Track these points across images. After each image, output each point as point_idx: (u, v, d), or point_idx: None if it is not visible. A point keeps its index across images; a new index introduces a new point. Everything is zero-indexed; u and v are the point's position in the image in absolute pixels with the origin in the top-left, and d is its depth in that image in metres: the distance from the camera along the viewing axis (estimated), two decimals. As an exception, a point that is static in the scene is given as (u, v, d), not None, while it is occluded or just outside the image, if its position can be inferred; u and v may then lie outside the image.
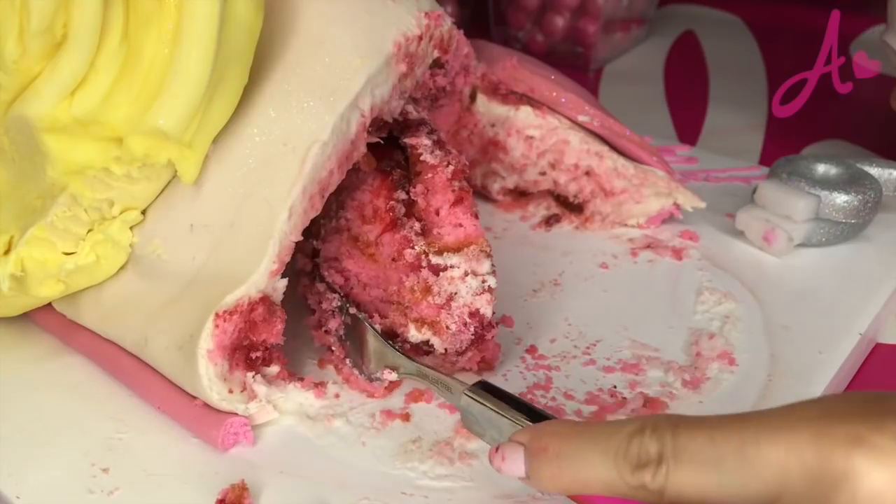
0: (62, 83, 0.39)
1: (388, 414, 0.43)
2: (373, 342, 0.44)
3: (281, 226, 0.42)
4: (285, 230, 0.42)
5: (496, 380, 0.46)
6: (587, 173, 0.59)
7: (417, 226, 0.45)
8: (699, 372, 0.46)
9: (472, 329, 0.44)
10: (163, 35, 0.40)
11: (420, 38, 0.48)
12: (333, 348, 0.46)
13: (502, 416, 0.36)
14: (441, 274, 0.44)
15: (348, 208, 0.48)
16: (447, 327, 0.44)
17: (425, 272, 0.44)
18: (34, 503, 0.38)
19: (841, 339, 0.49)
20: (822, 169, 0.60)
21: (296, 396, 0.44)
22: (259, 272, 0.41)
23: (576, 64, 0.96)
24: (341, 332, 0.46)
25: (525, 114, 0.59)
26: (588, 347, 0.49)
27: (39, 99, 0.39)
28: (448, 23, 0.50)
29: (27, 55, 0.39)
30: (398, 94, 0.48)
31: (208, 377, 0.40)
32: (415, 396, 0.45)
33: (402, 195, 0.46)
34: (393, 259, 0.45)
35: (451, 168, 0.46)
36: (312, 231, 0.49)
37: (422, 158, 0.46)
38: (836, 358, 0.47)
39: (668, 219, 0.61)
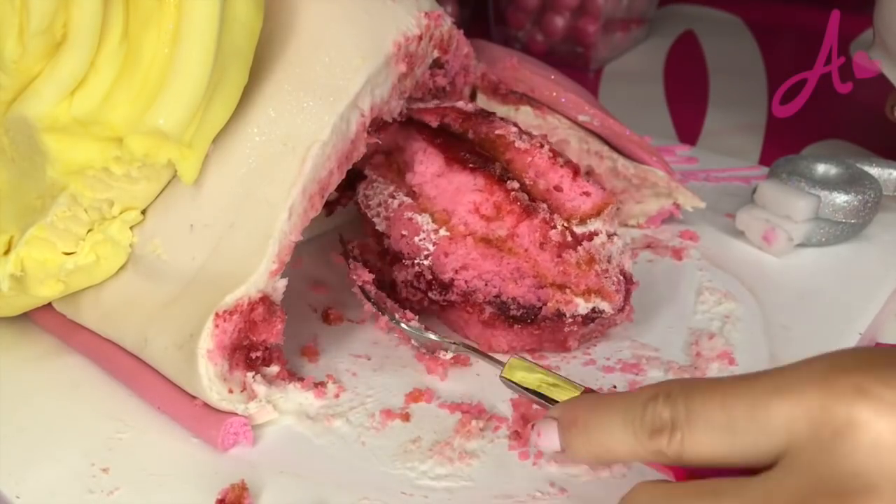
0: (62, 83, 0.39)
1: (388, 414, 0.43)
2: (413, 335, 0.47)
3: (281, 226, 0.42)
4: (285, 230, 0.42)
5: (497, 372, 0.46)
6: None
7: (544, 206, 0.46)
8: (699, 372, 0.46)
9: (623, 286, 0.46)
10: (163, 35, 0.40)
11: (420, 37, 0.48)
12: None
13: (532, 396, 0.39)
14: (594, 240, 0.46)
15: (456, 215, 0.47)
16: (611, 290, 0.45)
17: (585, 244, 0.46)
18: (34, 503, 0.38)
19: (841, 339, 0.49)
20: (822, 169, 0.60)
21: (296, 396, 0.44)
22: (259, 272, 0.41)
23: (576, 64, 0.96)
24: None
25: (525, 114, 0.59)
26: (588, 347, 0.49)
27: (39, 99, 0.39)
28: (448, 23, 0.50)
29: (27, 55, 0.39)
30: (398, 93, 0.48)
31: (208, 377, 0.40)
32: (415, 396, 0.45)
33: (515, 184, 0.46)
34: (541, 244, 0.45)
35: (546, 148, 0.48)
36: (388, 258, 0.49)
37: (516, 146, 0.48)
38: (836, 358, 0.47)
39: (668, 219, 0.61)
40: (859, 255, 0.57)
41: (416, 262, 0.47)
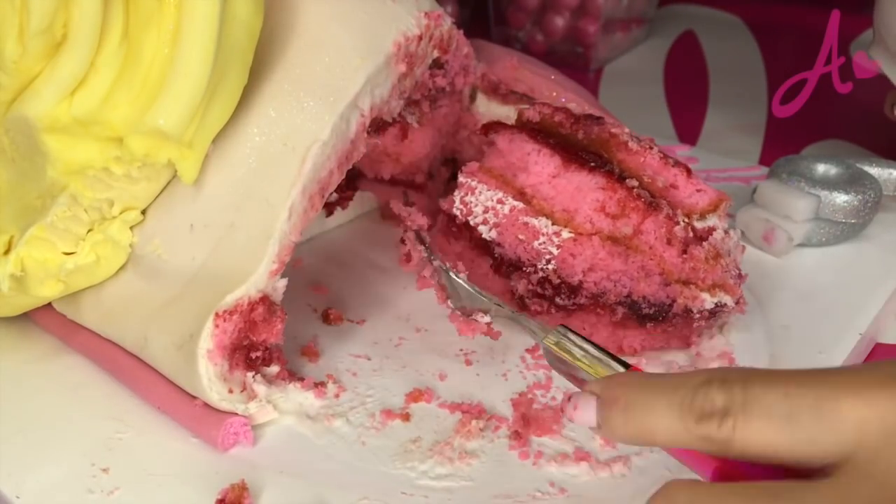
0: (62, 83, 0.39)
1: (388, 414, 0.43)
2: (463, 289, 0.47)
3: (281, 225, 0.42)
4: (285, 230, 0.42)
5: (497, 372, 0.46)
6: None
7: (665, 203, 0.46)
8: (699, 372, 0.46)
9: (739, 279, 0.47)
10: (163, 35, 0.40)
11: (420, 37, 0.48)
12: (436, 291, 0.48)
13: (577, 363, 0.37)
14: (714, 235, 0.46)
15: (580, 214, 0.47)
16: (732, 283, 0.46)
17: (711, 239, 0.46)
18: (34, 503, 0.38)
19: (841, 339, 0.49)
20: (822, 169, 0.60)
21: (296, 396, 0.44)
22: (259, 272, 0.41)
23: (576, 64, 0.96)
24: (439, 279, 0.48)
25: (525, 114, 0.59)
26: (588, 347, 0.49)
27: (39, 99, 0.39)
28: (448, 23, 0.50)
29: (27, 55, 0.39)
30: (398, 93, 0.48)
31: (208, 377, 0.40)
32: (415, 396, 0.45)
33: (634, 182, 0.46)
34: (667, 241, 0.45)
35: (656, 149, 0.48)
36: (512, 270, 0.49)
37: (629, 146, 0.47)
38: (836, 358, 0.47)
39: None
40: (859, 255, 0.57)
41: (539, 266, 0.47)
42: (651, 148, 0.47)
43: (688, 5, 1.13)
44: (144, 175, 0.44)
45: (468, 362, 0.47)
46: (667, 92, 0.90)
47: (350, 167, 0.46)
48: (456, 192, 0.50)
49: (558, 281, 0.47)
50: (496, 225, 0.49)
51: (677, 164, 0.47)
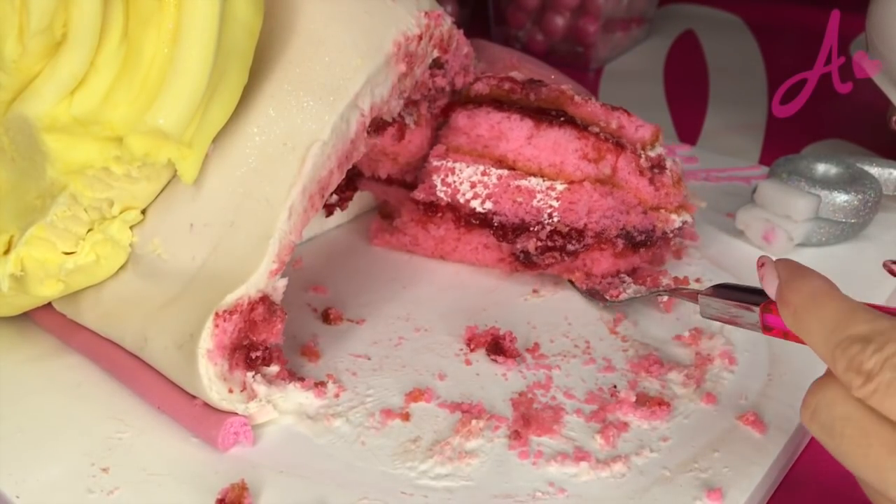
0: (62, 83, 0.39)
1: (388, 413, 0.43)
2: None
3: (281, 225, 0.42)
4: (285, 230, 0.42)
5: (497, 372, 0.46)
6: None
7: (624, 141, 0.51)
8: (699, 371, 0.46)
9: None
10: (163, 34, 0.40)
11: (420, 37, 0.48)
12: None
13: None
14: (667, 162, 0.52)
15: (567, 164, 0.51)
16: (690, 202, 0.53)
17: (670, 165, 0.52)
18: (34, 503, 0.38)
19: (841, 339, 0.49)
20: (822, 169, 0.60)
21: (296, 396, 0.44)
22: (259, 272, 0.41)
23: (576, 64, 0.96)
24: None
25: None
26: (588, 346, 0.49)
27: (39, 98, 0.39)
28: (448, 22, 0.50)
29: (27, 55, 0.39)
30: (398, 93, 0.48)
31: (208, 377, 0.40)
32: (414, 396, 0.45)
33: (595, 129, 0.51)
34: (640, 173, 0.51)
35: (593, 99, 0.53)
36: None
37: (575, 100, 0.52)
38: (836, 358, 0.47)
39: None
40: (859, 255, 0.57)
41: (544, 222, 0.51)
42: (590, 98, 0.53)
43: (688, 5, 1.13)
44: (144, 175, 0.44)
45: (468, 362, 0.47)
46: (667, 92, 0.90)
47: (350, 167, 0.46)
48: (434, 177, 0.52)
49: (567, 229, 0.51)
50: (489, 196, 0.51)
51: (615, 108, 0.52)
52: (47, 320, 0.48)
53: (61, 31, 0.39)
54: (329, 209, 0.57)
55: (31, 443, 0.41)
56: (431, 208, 0.53)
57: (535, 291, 0.54)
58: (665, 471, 0.40)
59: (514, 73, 0.55)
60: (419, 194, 0.53)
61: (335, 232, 0.61)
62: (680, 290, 0.49)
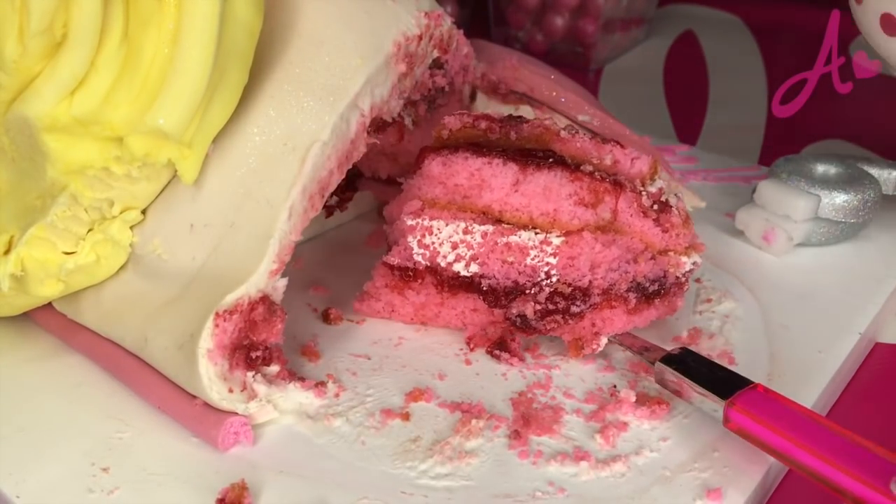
0: (62, 83, 0.39)
1: (388, 413, 0.43)
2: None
3: (281, 225, 0.42)
4: (285, 230, 0.42)
5: (497, 372, 0.46)
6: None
7: (621, 178, 0.45)
8: (699, 371, 0.46)
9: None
10: (163, 35, 0.40)
11: (420, 37, 0.48)
12: None
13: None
14: (670, 199, 0.46)
15: (561, 213, 0.44)
16: (698, 241, 0.47)
17: (674, 202, 0.46)
18: (34, 503, 0.38)
19: (840, 339, 0.49)
20: (821, 169, 0.60)
21: (296, 396, 0.44)
22: (259, 272, 0.42)
23: (576, 64, 0.96)
24: None
25: (525, 113, 0.59)
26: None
27: (39, 98, 0.39)
28: (448, 22, 0.50)
29: (27, 55, 0.39)
30: (397, 93, 0.48)
31: (208, 377, 0.40)
32: (414, 396, 0.45)
33: (588, 167, 0.45)
34: (643, 214, 0.45)
35: (581, 131, 0.47)
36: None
37: (561, 136, 0.46)
38: (836, 357, 0.47)
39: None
40: (859, 254, 0.57)
41: (542, 283, 0.45)
42: (577, 132, 0.46)
43: (688, 5, 1.13)
44: (144, 175, 0.44)
45: (468, 362, 0.47)
46: (667, 92, 0.90)
47: (350, 167, 0.46)
48: (409, 239, 0.46)
49: (569, 289, 0.45)
50: (474, 257, 0.45)
51: (605, 140, 0.46)
52: (47, 320, 0.48)
53: (61, 32, 0.39)
54: (329, 210, 0.57)
55: (31, 443, 0.41)
56: (408, 273, 0.47)
57: (534, 291, 0.54)
58: (665, 471, 0.40)
59: (490, 112, 0.48)
60: (393, 258, 0.47)
61: (335, 232, 0.61)
62: (643, 350, 0.45)
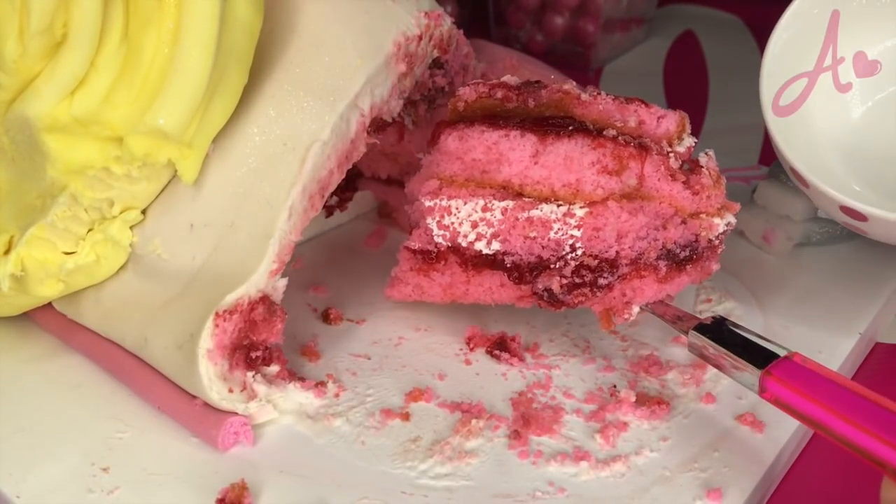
0: (62, 83, 0.39)
1: (388, 413, 0.43)
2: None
3: (281, 225, 0.42)
4: (285, 230, 0.42)
5: (496, 372, 0.46)
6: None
7: (647, 141, 0.43)
8: (699, 371, 0.46)
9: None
10: (163, 35, 0.40)
11: (420, 37, 0.48)
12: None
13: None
14: (700, 159, 0.45)
15: (584, 183, 0.42)
16: (731, 201, 0.45)
17: (705, 161, 0.44)
18: (34, 503, 0.38)
19: (841, 339, 0.49)
20: (821, 169, 0.59)
21: (296, 396, 0.44)
22: (259, 272, 0.42)
23: (576, 64, 0.96)
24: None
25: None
26: (588, 346, 0.49)
27: (39, 98, 0.39)
28: (448, 22, 0.50)
29: (27, 55, 0.39)
30: (397, 93, 0.48)
31: (208, 377, 0.40)
32: (414, 396, 0.45)
33: (611, 132, 0.43)
34: (671, 177, 0.43)
35: (604, 93, 0.45)
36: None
37: (582, 98, 0.44)
38: (836, 358, 0.47)
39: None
40: (859, 254, 0.57)
41: (566, 257, 0.43)
42: (599, 93, 0.44)
43: (687, 5, 1.13)
44: (144, 175, 0.44)
45: (468, 362, 0.47)
46: (666, 92, 0.90)
47: (350, 167, 0.46)
48: (428, 221, 0.44)
49: (595, 261, 0.43)
50: (495, 235, 0.44)
51: (629, 99, 0.44)
52: (47, 320, 0.48)
53: (61, 32, 0.39)
54: (329, 210, 0.57)
55: (30, 442, 0.41)
56: (430, 256, 0.46)
57: (534, 291, 0.54)
58: (665, 470, 0.40)
59: (506, 78, 0.46)
60: (414, 243, 0.45)
61: (335, 232, 0.61)
62: (686, 318, 0.44)
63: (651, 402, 0.44)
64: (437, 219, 0.44)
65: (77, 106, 0.40)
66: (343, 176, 0.46)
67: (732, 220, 0.45)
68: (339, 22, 0.45)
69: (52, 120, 0.40)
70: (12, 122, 0.41)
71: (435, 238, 0.45)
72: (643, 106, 0.44)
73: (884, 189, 0.53)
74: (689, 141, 0.45)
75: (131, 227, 0.46)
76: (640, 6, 0.99)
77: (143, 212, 0.46)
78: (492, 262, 0.45)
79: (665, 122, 0.44)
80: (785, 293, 0.53)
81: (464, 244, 0.44)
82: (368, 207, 0.63)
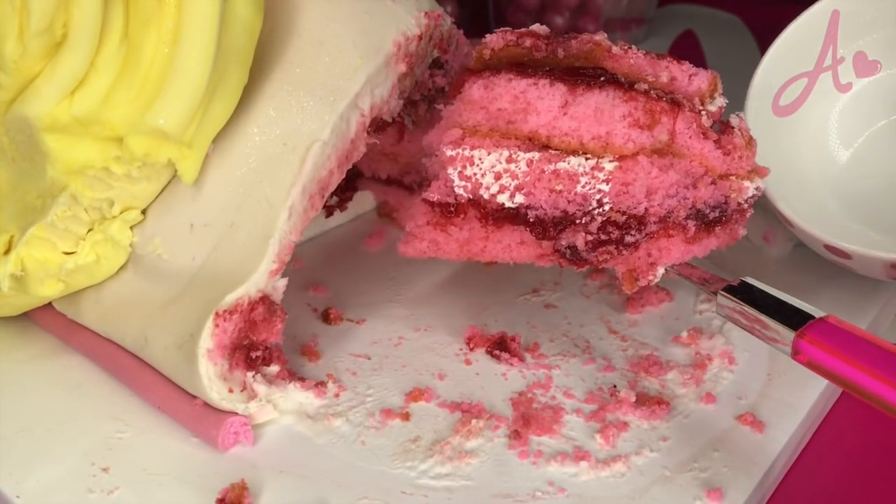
0: (62, 83, 0.39)
1: (388, 413, 0.43)
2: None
3: (281, 225, 0.42)
4: (285, 230, 0.42)
5: (496, 372, 0.46)
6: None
7: (680, 97, 0.42)
8: (699, 371, 0.46)
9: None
10: (163, 35, 0.40)
11: (420, 37, 0.48)
12: None
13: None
14: (731, 119, 0.43)
15: (615, 136, 0.41)
16: (761, 164, 0.43)
17: (735, 122, 0.42)
18: (34, 503, 0.38)
19: (841, 339, 0.49)
20: (821, 169, 0.59)
21: (296, 396, 0.44)
22: (259, 272, 0.42)
23: (576, 64, 0.95)
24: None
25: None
26: (588, 346, 0.49)
27: (39, 98, 0.39)
28: (448, 22, 0.50)
29: (27, 55, 0.39)
30: (397, 93, 0.48)
31: (208, 376, 0.40)
32: (414, 396, 0.45)
33: (643, 86, 0.41)
34: (703, 135, 0.41)
35: (635, 47, 0.43)
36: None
37: (613, 52, 0.42)
38: (836, 357, 0.47)
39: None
40: (859, 254, 0.57)
41: (593, 212, 0.41)
42: (630, 47, 0.43)
43: (688, 5, 1.13)
44: (144, 175, 0.44)
45: (468, 362, 0.48)
46: (667, 92, 0.90)
47: (350, 167, 0.46)
48: (449, 171, 0.42)
49: (623, 217, 0.41)
50: (519, 187, 0.41)
51: (660, 55, 0.43)
52: (47, 320, 0.48)
53: (61, 32, 0.39)
54: (329, 210, 0.57)
55: (31, 442, 0.41)
56: (449, 208, 0.43)
57: (534, 291, 0.54)
58: (665, 470, 0.40)
59: (535, 26, 0.44)
60: (432, 194, 0.43)
61: (335, 232, 0.61)
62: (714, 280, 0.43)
63: (651, 402, 0.44)
64: (459, 169, 0.42)
65: (77, 106, 0.40)
66: (343, 176, 0.46)
67: (762, 184, 0.43)
68: (339, 22, 0.45)
69: (52, 120, 0.40)
70: (12, 122, 0.41)
71: (455, 189, 0.42)
72: (675, 62, 0.43)
73: (881, 225, 0.53)
74: (720, 101, 0.43)
75: (131, 227, 0.46)
76: (640, 6, 0.99)
77: (144, 212, 0.46)
78: (514, 217, 0.43)
79: (697, 79, 0.43)
80: (785, 293, 0.53)
81: (486, 196, 0.42)
82: (368, 207, 0.63)
